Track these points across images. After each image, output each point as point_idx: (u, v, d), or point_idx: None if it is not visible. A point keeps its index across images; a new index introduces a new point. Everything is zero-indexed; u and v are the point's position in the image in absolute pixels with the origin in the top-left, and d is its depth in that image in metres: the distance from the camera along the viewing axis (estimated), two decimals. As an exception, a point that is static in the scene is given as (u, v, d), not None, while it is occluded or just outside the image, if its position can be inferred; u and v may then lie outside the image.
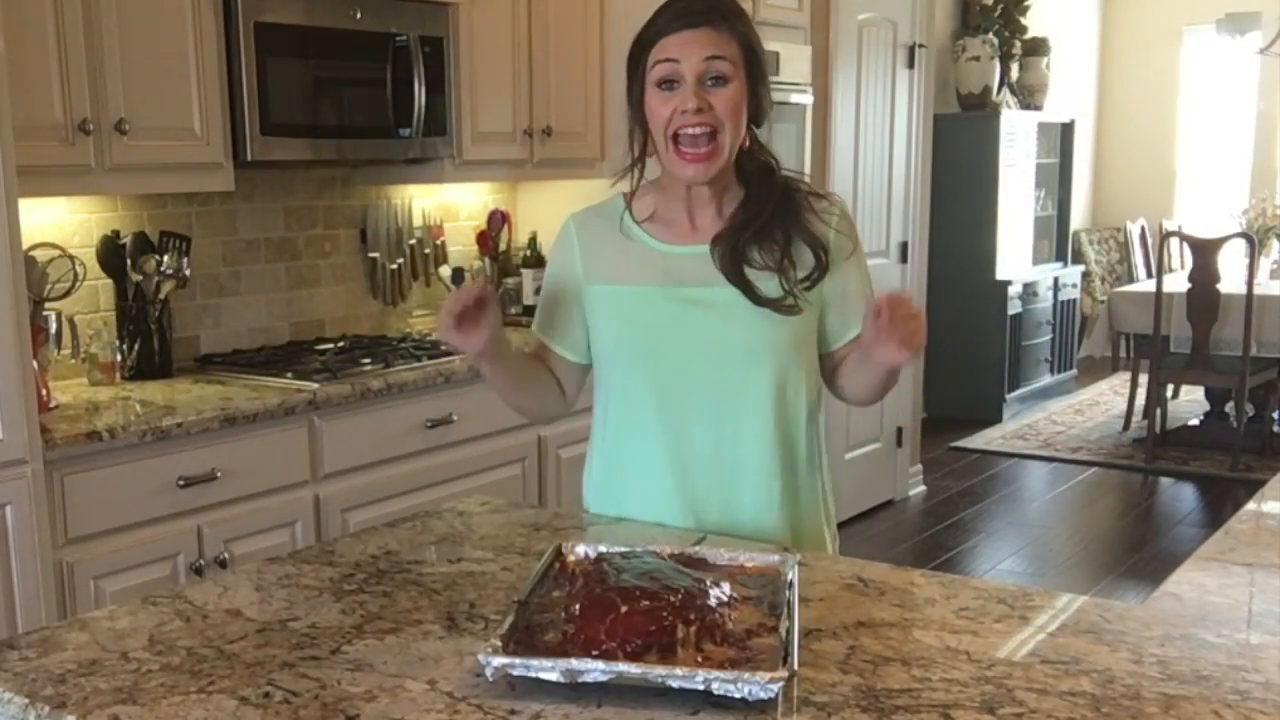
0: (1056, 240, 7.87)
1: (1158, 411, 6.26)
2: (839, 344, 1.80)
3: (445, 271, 3.94)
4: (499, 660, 1.16)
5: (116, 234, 3.05)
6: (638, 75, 1.71)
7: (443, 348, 3.41)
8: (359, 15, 3.17)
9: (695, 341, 1.73)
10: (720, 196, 1.75)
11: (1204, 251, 5.90)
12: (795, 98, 4.50)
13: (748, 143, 1.74)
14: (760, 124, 1.75)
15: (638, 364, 1.77)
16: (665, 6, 1.70)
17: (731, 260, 1.71)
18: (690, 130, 1.66)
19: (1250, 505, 2.02)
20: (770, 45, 4.29)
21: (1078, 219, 8.46)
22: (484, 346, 1.71)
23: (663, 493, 1.77)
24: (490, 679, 1.18)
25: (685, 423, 1.75)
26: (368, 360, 3.18)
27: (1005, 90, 7.36)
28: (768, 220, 1.72)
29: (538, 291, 4.23)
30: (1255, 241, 5.99)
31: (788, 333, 1.73)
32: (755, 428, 1.74)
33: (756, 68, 1.71)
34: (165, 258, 3.05)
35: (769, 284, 1.71)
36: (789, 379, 1.75)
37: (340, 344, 3.44)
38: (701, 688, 1.13)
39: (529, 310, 4.04)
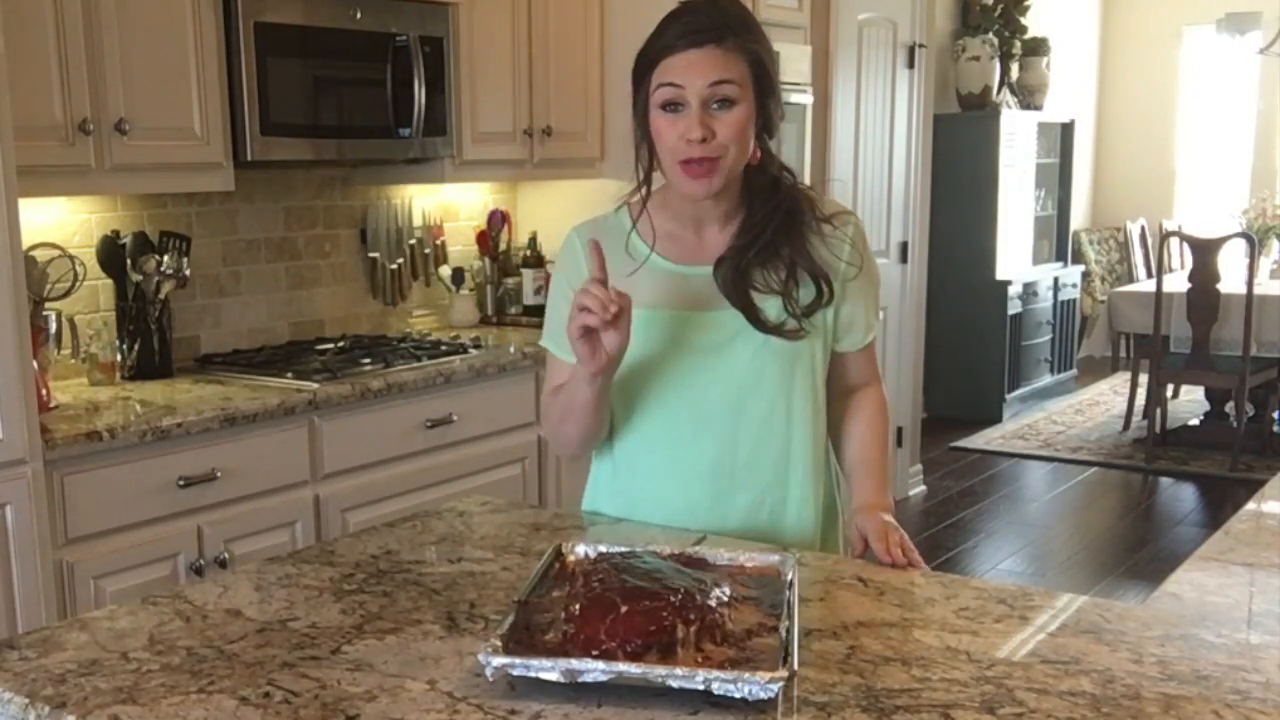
0: (1056, 240, 7.87)
1: (1158, 411, 6.26)
2: (838, 347, 1.79)
3: (445, 271, 3.94)
4: (499, 660, 1.16)
5: (116, 234, 3.05)
6: (641, 91, 1.65)
7: (443, 348, 3.41)
8: (359, 15, 3.17)
9: (705, 363, 1.71)
10: (727, 212, 1.72)
11: (1204, 251, 5.91)
12: (795, 98, 4.50)
13: (757, 157, 1.69)
14: (773, 135, 1.71)
15: (649, 381, 1.74)
16: (670, 20, 1.64)
17: (735, 283, 1.68)
18: (696, 156, 1.62)
19: (1250, 505, 2.02)
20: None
21: (1078, 219, 8.46)
22: (609, 365, 1.61)
23: (676, 500, 1.75)
24: (490, 679, 1.18)
25: (695, 434, 1.73)
26: (368, 360, 3.18)
27: (1005, 90, 7.35)
28: (770, 240, 1.69)
29: (538, 292, 4.23)
30: (1255, 241, 5.99)
31: (797, 351, 1.71)
32: (764, 438, 1.73)
33: (766, 83, 1.65)
34: (165, 258, 3.05)
35: (773, 306, 1.69)
36: (798, 390, 1.73)
37: (340, 344, 3.44)
38: (701, 688, 1.13)
39: (529, 310, 4.05)
